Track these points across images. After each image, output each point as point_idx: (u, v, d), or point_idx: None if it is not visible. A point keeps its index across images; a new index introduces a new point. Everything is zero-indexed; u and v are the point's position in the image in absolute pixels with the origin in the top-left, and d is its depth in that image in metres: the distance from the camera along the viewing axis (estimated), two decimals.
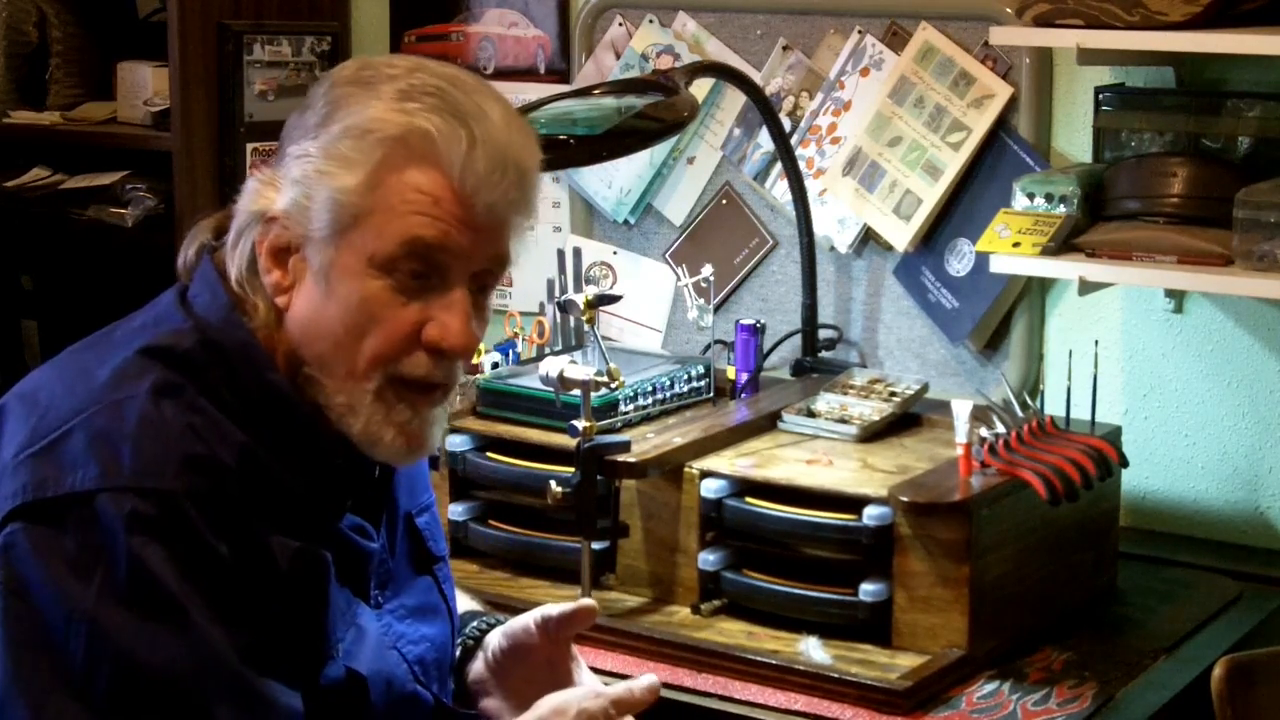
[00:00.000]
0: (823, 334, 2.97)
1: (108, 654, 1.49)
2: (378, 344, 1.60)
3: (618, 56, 3.18)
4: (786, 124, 2.97)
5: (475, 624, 1.91)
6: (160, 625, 1.50)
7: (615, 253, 3.23)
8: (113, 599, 1.49)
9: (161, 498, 1.51)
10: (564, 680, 1.85)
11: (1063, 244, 2.53)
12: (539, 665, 1.84)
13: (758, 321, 2.78)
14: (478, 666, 1.87)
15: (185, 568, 1.51)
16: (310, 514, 1.63)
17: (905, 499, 2.28)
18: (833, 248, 3.01)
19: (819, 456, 2.50)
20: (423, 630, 1.77)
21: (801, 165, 2.93)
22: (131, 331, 1.66)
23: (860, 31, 2.97)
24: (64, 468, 1.53)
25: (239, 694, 1.52)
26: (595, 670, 2.20)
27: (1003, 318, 2.89)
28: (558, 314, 2.85)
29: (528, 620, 1.84)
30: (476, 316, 1.64)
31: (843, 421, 2.60)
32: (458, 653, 1.88)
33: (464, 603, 1.97)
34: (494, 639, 1.87)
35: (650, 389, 2.64)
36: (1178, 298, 2.77)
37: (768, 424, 2.63)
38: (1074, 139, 2.82)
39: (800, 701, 2.21)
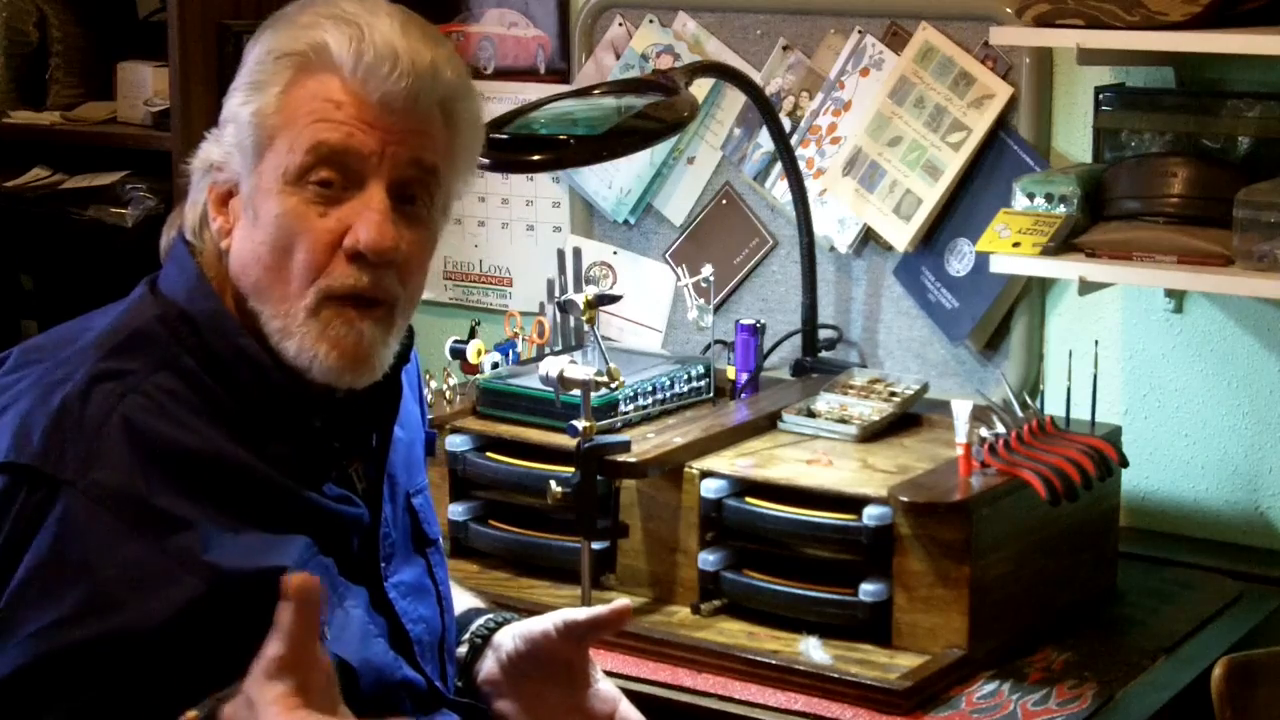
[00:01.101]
0: (823, 334, 2.97)
1: None
2: (303, 258, 1.61)
3: (618, 56, 3.18)
4: (786, 124, 2.97)
5: (483, 621, 1.90)
6: (23, 601, 1.50)
7: (615, 253, 3.23)
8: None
9: (52, 486, 1.52)
10: (580, 684, 1.84)
11: (1063, 244, 2.53)
12: (556, 669, 1.84)
13: (758, 321, 2.78)
14: (489, 667, 1.86)
15: (49, 558, 1.50)
16: (281, 491, 1.62)
17: (905, 499, 2.28)
18: (833, 248, 3.01)
19: (819, 456, 2.50)
20: (420, 610, 1.77)
21: (801, 165, 2.93)
22: (99, 317, 1.68)
23: (860, 31, 2.97)
24: None
25: (68, 670, 1.50)
26: None
27: (1003, 318, 2.89)
28: (558, 314, 2.86)
29: (547, 624, 1.83)
30: (406, 226, 1.63)
31: (843, 421, 2.60)
32: (463, 649, 1.87)
33: (467, 600, 1.96)
34: (507, 640, 1.86)
35: (650, 389, 2.64)
36: (1178, 298, 2.77)
37: (768, 424, 2.63)
38: (1074, 139, 2.82)
39: (800, 701, 2.21)
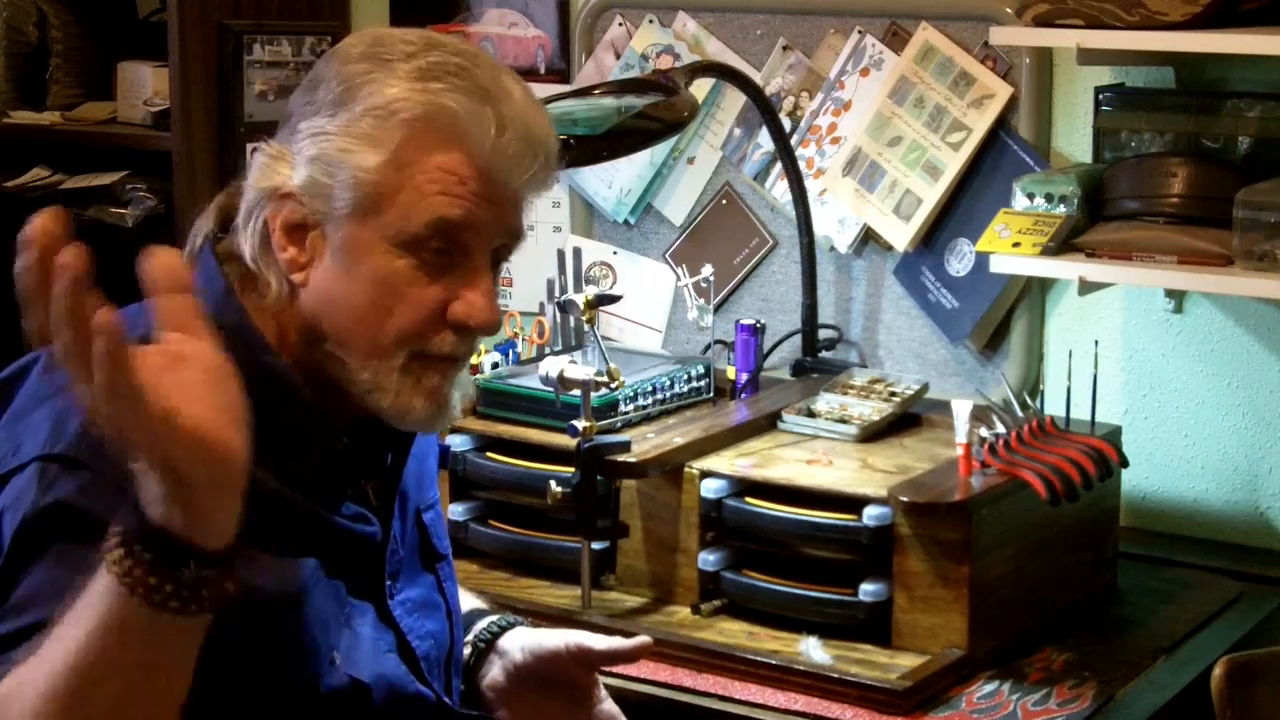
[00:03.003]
0: (823, 334, 2.97)
1: None
2: (404, 323, 1.59)
3: (618, 56, 3.18)
4: (786, 124, 2.97)
5: (486, 625, 1.90)
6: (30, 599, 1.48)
7: (615, 253, 3.23)
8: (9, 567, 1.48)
9: (84, 472, 1.50)
10: (584, 703, 1.85)
11: (1063, 244, 2.53)
12: (561, 685, 1.84)
13: (758, 321, 2.78)
14: (494, 673, 1.87)
15: (81, 548, 1.48)
16: (298, 511, 1.61)
17: (905, 499, 2.28)
18: (833, 248, 3.01)
19: (819, 456, 2.50)
20: (428, 626, 1.76)
21: (801, 165, 2.93)
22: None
23: (860, 31, 2.97)
24: (20, 442, 1.54)
25: None
26: None
27: (1003, 318, 2.89)
28: (558, 314, 2.85)
29: (559, 645, 1.84)
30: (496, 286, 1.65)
31: (843, 421, 2.60)
32: (466, 651, 1.88)
33: (470, 601, 1.96)
34: (515, 649, 1.86)
35: (650, 389, 2.64)
36: (1178, 298, 2.78)
37: (768, 424, 2.63)
38: (1074, 139, 2.82)
39: (800, 701, 2.21)
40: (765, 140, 3.03)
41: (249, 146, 3.25)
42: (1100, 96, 2.74)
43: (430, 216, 1.57)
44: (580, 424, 2.39)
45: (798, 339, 2.96)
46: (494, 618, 1.92)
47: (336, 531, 1.65)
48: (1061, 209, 2.58)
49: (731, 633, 2.37)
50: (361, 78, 1.60)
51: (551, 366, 2.44)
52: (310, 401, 1.62)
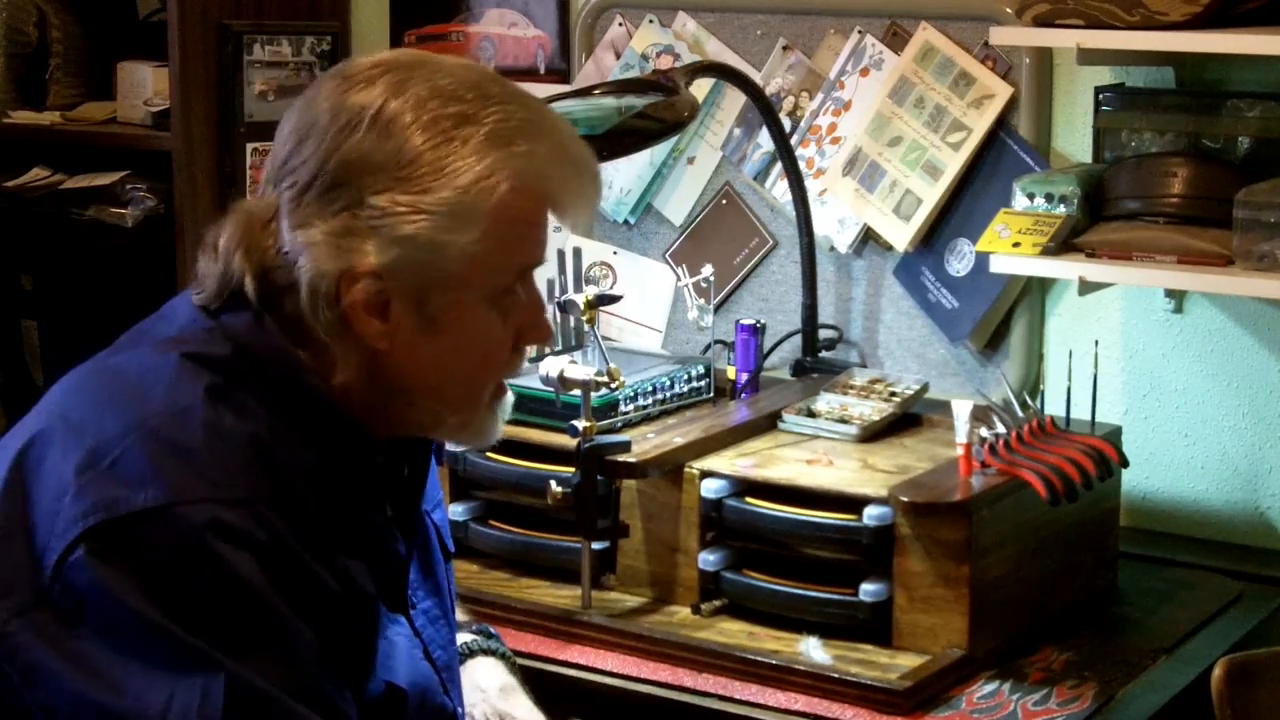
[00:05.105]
0: (823, 334, 2.97)
1: (197, 668, 1.44)
2: (494, 368, 1.65)
3: (618, 56, 3.18)
4: (786, 124, 2.97)
5: (459, 646, 1.92)
6: (252, 633, 1.46)
7: (615, 253, 3.23)
8: (200, 612, 1.44)
9: (240, 505, 1.47)
10: None
11: (1063, 244, 2.53)
12: None
13: (758, 321, 2.78)
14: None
15: (273, 574, 1.47)
16: (356, 521, 1.60)
17: (905, 499, 2.28)
18: (833, 248, 3.01)
19: (819, 456, 2.50)
20: (445, 634, 1.76)
21: (801, 165, 2.93)
22: (160, 341, 1.60)
23: (860, 31, 2.97)
24: (131, 484, 1.46)
25: (321, 701, 1.49)
26: (594, 670, 2.23)
27: (1003, 318, 2.89)
28: (558, 314, 2.85)
29: None
30: None
31: (843, 421, 2.60)
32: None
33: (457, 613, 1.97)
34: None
35: (650, 389, 2.64)
36: (1178, 298, 2.78)
37: (768, 424, 2.63)
38: (1074, 139, 2.82)
39: (800, 701, 2.21)
40: (765, 140, 3.03)
41: (249, 147, 3.25)
42: (1100, 96, 2.74)
43: (520, 267, 1.64)
44: (580, 424, 2.39)
45: (798, 339, 2.96)
46: (466, 639, 1.96)
47: (375, 544, 1.63)
48: (1061, 209, 2.58)
49: (731, 633, 2.37)
50: (433, 151, 1.55)
51: (551, 366, 2.44)
52: (351, 422, 1.60)
